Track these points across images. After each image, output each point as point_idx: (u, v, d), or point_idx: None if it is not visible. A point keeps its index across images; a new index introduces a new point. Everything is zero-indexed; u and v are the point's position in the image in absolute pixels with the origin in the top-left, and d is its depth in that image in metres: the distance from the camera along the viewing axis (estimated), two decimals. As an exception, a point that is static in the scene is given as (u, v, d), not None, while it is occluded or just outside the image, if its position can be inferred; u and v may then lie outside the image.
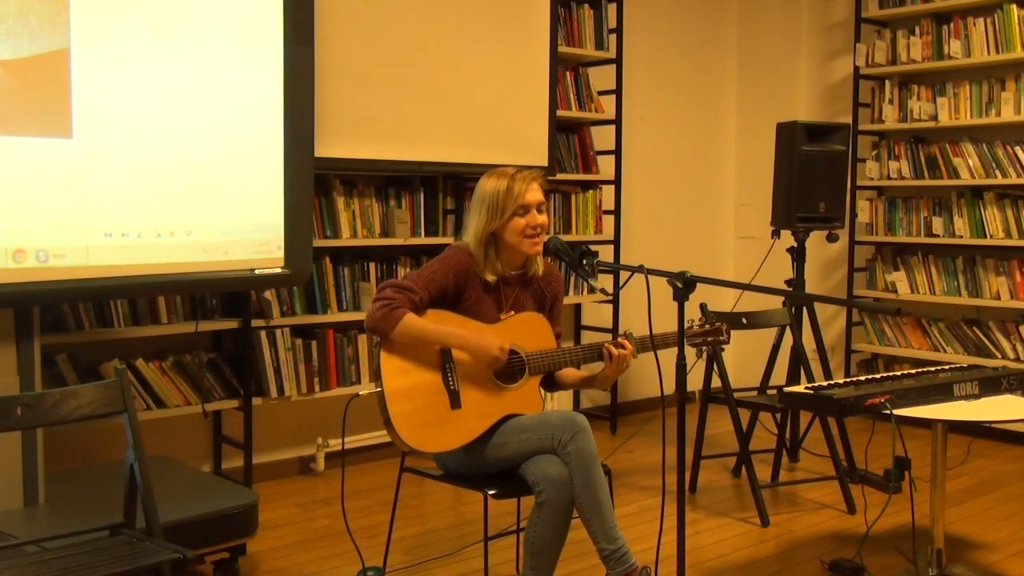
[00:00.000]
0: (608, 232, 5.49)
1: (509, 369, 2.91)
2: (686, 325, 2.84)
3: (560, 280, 3.15)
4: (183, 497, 3.24)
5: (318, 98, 3.81)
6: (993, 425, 4.95)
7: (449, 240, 4.80)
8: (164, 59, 3.23)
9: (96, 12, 3.06)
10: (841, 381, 3.23)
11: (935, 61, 5.48)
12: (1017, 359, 5.23)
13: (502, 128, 4.82)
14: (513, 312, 2.98)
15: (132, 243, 3.18)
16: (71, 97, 3.02)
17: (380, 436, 4.49)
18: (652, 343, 2.92)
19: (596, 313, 5.66)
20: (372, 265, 4.65)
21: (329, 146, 4.18)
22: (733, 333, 3.10)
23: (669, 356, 2.69)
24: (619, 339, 2.96)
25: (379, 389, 2.79)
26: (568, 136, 5.37)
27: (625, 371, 2.99)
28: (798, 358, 4.37)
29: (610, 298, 5.41)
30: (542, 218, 2.94)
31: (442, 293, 2.88)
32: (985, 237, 5.31)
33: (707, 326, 3.03)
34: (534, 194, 2.94)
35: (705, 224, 6.40)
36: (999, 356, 5.28)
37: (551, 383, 3.09)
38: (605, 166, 5.50)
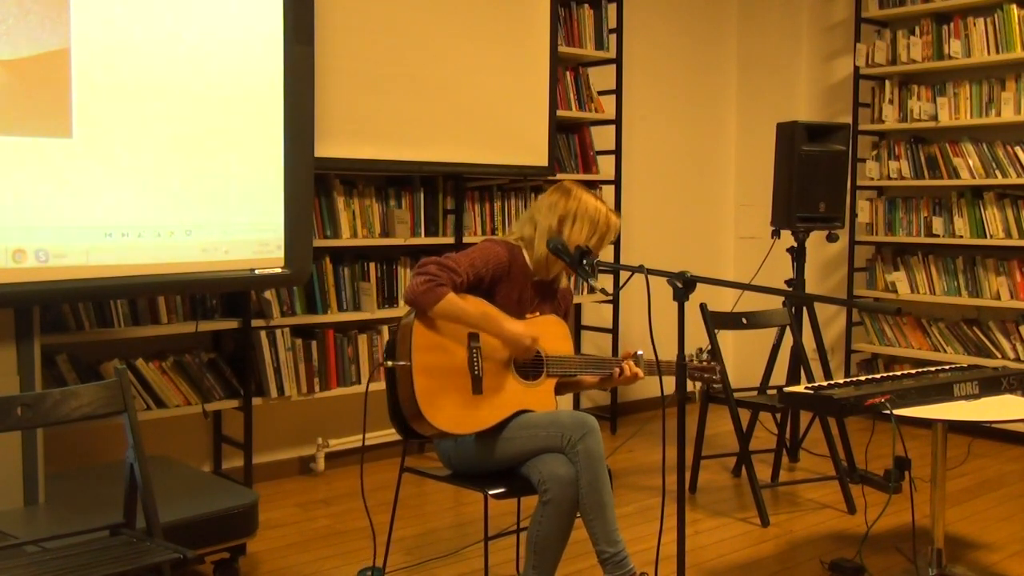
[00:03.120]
0: (608, 232, 5.48)
1: (531, 366, 2.93)
2: (687, 358, 2.87)
3: (570, 298, 3.23)
4: (183, 497, 3.24)
5: (318, 98, 3.81)
6: (993, 425, 4.95)
7: (450, 240, 4.80)
8: (164, 59, 3.23)
9: (96, 12, 3.06)
10: (841, 381, 3.23)
11: (935, 61, 5.48)
12: (1017, 359, 5.23)
13: (502, 128, 4.82)
14: (538, 314, 3.02)
15: (132, 243, 3.18)
16: (71, 97, 3.02)
17: (380, 436, 4.50)
18: (660, 371, 2.96)
19: (596, 313, 5.66)
20: (372, 265, 4.65)
21: (329, 146, 4.18)
22: (733, 333, 3.14)
23: (669, 356, 2.70)
24: (628, 362, 3.03)
25: (407, 363, 2.78)
26: (568, 136, 5.37)
27: None
28: (798, 358, 4.37)
29: (610, 298, 5.41)
30: None
31: (479, 281, 2.89)
32: (985, 237, 5.31)
33: (702, 363, 3.11)
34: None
35: (705, 224, 6.40)
36: (999, 356, 5.28)
37: (558, 386, 3.11)
38: (605, 166, 5.50)
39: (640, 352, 3.07)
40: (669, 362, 2.94)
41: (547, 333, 2.99)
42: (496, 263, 2.92)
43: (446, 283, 2.79)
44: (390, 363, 2.88)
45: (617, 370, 3.02)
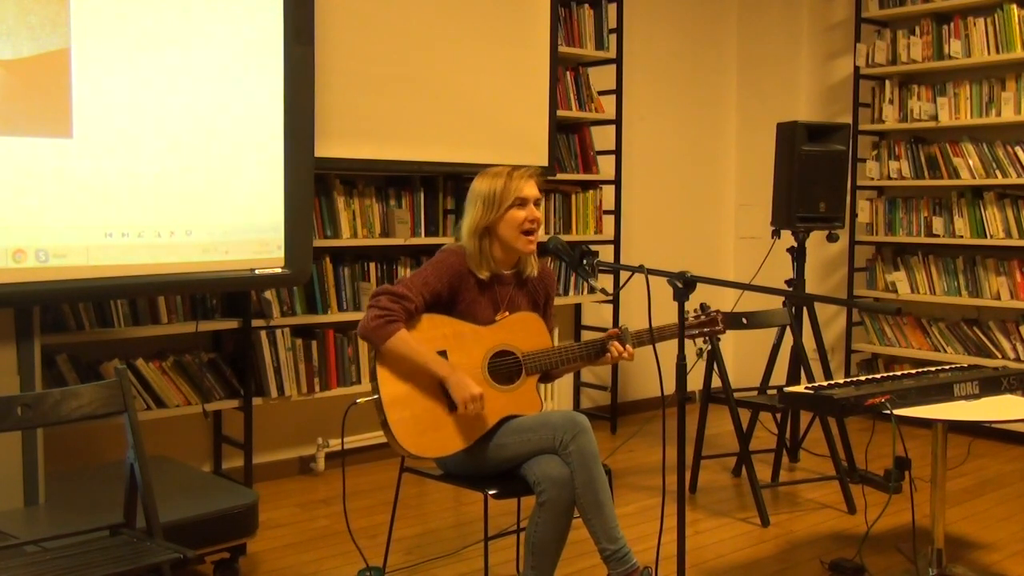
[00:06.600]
0: (608, 232, 5.49)
1: (507, 370, 2.91)
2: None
3: (553, 278, 3.17)
4: (183, 497, 3.24)
5: (318, 98, 3.81)
6: (993, 425, 4.95)
7: (450, 240, 4.80)
8: (164, 59, 3.23)
9: (96, 12, 3.06)
10: (841, 381, 3.23)
11: (935, 61, 5.47)
12: (1017, 359, 5.23)
13: (502, 128, 4.82)
14: (508, 312, 2.98)
15: (132, 243, 3.18)
16: (71, 97, 3.02)
17: (380, 436, 4.48)
18: (652, 340, 2.92)
19: (596, 313, 5.66)
20: (372, 265, 4.65)
21: (329, 146, 4.18)
22: (733, 333, 3.13)
23: (669, 356, 2.69)
24: (615, 343, 2.96)
25: (376, 396, 2.79)
26: (568, 136, 5.37)
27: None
28: (798, 358, 4.37)
29: (610, 298, 5.41)
30: (539, 213, 2.95)
31: (436, 297, 2.88)
32: (985, 237, 5.31)
33: (702, 316, 3.06)
34: (532, 189, 2.95)
35: (705, 224, 6.40)
36: (999, 356, 5.28)
37: (546, 376, 3.09)
38: (605, 166, 5.50)
39: (625, 327, 3.00)
40: (661, 327, 2.93)
41: (519, 331, 2.96)
42: (451, 274, 2.89)
43: (399, 317, 2.77)
44: (360, 400, 2.89)
45: (608, 355, 2.98)
